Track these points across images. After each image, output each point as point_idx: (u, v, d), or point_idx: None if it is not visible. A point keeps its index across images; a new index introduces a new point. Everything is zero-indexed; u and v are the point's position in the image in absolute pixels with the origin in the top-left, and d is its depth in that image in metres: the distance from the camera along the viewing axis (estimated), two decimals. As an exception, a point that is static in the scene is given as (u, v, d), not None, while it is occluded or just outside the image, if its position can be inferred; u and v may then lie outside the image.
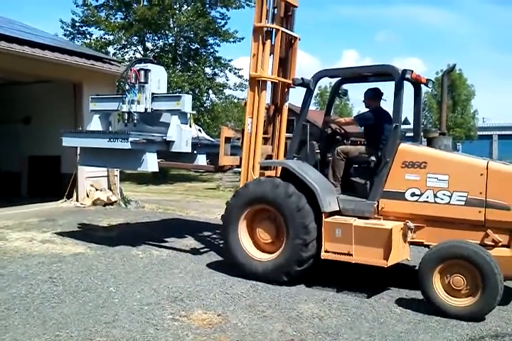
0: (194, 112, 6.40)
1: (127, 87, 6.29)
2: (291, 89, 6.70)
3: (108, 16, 22.78)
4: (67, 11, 29.15)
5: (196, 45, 23.58)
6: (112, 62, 12.27)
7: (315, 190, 5.18)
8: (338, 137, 6.15)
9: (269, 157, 6.72)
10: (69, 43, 16.22)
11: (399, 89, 5.18)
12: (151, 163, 6.03)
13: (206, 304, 4.68)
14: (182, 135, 6.09)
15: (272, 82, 6.54)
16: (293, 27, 6.70)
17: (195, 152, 6.53)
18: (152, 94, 6.29)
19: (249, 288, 5.25)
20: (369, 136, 5.83)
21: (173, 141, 6.10)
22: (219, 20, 23.15)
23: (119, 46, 22.96)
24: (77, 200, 11.12)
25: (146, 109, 6.26)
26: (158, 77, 6.38)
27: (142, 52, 23.48)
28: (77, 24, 23.08)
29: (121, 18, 22.99)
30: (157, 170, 6.23)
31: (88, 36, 23.30)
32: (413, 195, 5.00)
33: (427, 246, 5.08)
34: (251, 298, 4.92)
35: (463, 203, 4.78)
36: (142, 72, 6.21)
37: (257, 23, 6.23)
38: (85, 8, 22.44)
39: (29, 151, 11.73)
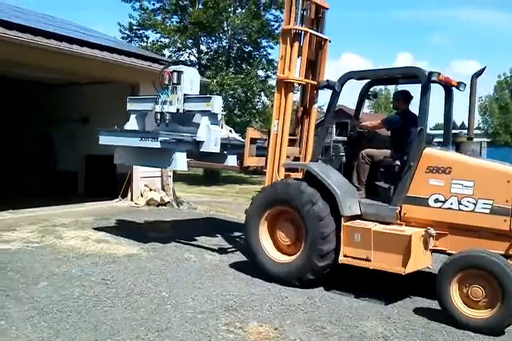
0: (224, 113, 6.70)
1: (161, 88, 6.45)
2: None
3: (164, 20, 23.24)
4: (125, 16, 29.99)
5: (249, 48, 23.59)
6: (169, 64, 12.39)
7: (335, 194, 5.11)
8: (363, 140, 5.98)
9: (297, 159, 6.66)
10: (126, 45, 16.56)
11: (425, 91, 5.03)
12: (180, 162, 6.14)
13: (262, 315, 4.42)
14: (211, 135, 6.20)
15: (300, 84, 6.52)
16: (324, 29, 6.67)
17: (225, 152, 6.58)
18: (184, 95, 6.42)
19: (306, 299, 4.94)
20: (395, 140, 5.63)
21: (203, 141, 6.22)
22: (272, 23, 23.04)
23: (174, 49, 23.39)
24: (131, 200, 11.22)
25: (178, 110, 6.40)
26: (190, 79, 6.51)
27: (196, 55, 23.75)
28: (134, 27, 23.69)
29: (177, 22, 23.43)
30: (186, 169, 6.38)
31: (145, 39, 23.87)
32: (437, 201, 4.84)
33: (450, 254, 4.81)
34: (309, 312, 4.61)
35: (488, 211, 4.59)
36: (175, 74, 6.36)
37: (285, 25, 6.25)
38: (142, 11, 22.99)
39: (86, 151, 11.93)
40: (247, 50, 23.56)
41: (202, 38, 23.64)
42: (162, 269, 5.75)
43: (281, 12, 22.51)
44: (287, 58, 6.19)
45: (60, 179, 12.39)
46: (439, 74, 5.01)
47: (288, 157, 6.49)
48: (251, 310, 4.55)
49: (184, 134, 6.35)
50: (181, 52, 23.55)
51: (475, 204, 4.64)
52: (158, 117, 6.45)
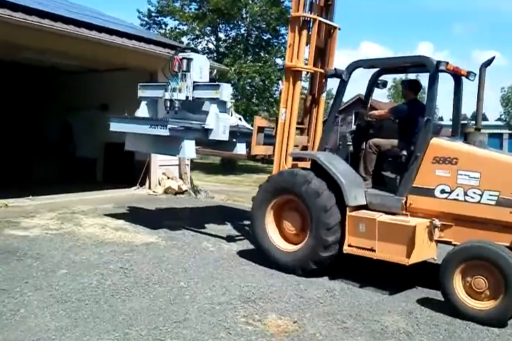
0: (233, 101, 6.76)
1: (170, 75, 6.37)
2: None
3: (183, 7, 23.04)
4: (144, 3, 29.94)
5: (268, 36, 23.27)
6: (187, 51, 12.25)
7: (340, 183, 5.08)
8: (371, 130, 5.89)
9: (305, 148, 6.62)
10: (145, 31, 16.47)
11: (433, 81, 4.97)
12: (188, 149, 6.14)
13: (280, 308, 4.35)
14: (219, 123, 6.17)
15: (309, 73, 6.49)
16: (333, 16, 6.57)
17: (234, 140, 6.52)
18: (194, 82, 6.37)
19: (325, 292, 4.86)
20: (402, 129, 5.54)
21: (211, 129, 6.18)
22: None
23: (192, 36, 23.20)
24: (149, 188, 11.24)
25: (187, 97, 6.36)
26: (200, 66, 6.45)
27: (215, 43, 23.55)
28: (153, 14, 23.55)
29: (196, 9, 23.20)
30: (195, 156, 6.46)
31: (163, 26, 23.74)
32: (443, 191, 4.79)
33: (455, 245, 4.74)
34: (328, 305, 4.53)
35: (494, 203, 4.53)
36: (185, 61, 6.31)
37: (294, 12, 6.13)
38: (161, -2, 22.80)
39: (105, 138, 11.91)
40: (265, 37, 23.26)
41: (220, 26, 23.41)
42: (180, 259, 5.72)
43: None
44: (295, 46, 6.09)
45: (78, 166, 12.46)
46: (447, 63, 4.90)
47: (296, 146, 6.46)
48: (269, 302, 4.49)
49: (193, 122, 6.33)
50: (199, 40, 23.41)
51: (481, 196, 4.59)
52: (168, 105, 6.41)
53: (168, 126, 5.93)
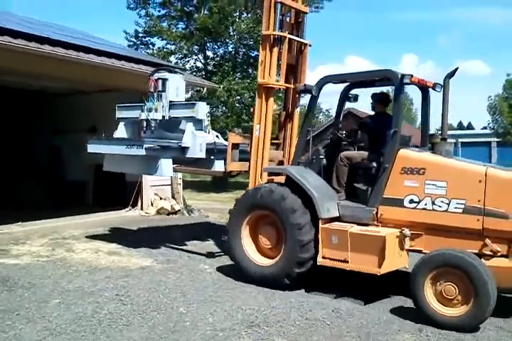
0: (209, 118, 6.73)
1: (147, 95, 6.52)
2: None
3: (170, 26, 23.10)
4: (130, 24, 30.03)
5: (256, 53, 23.35)
6: (176, 70, 12.21)
7: (312, 196, 5.13)
8: (344, 143, 6.02)
9: (281, 162, 6.73)
10: (134, 52, 16.44)
11: (398, 94, 5.17)
12: (166, 168, 6.27)
13: (286, 332, 4.16)
14: (196, 141, 6.31)
15: (282, 89, 6.67)
16: (303, 33, 6.72)
17: (212, 157, 6.59)
18: (170, 101, 6.52)
19: (330, 312, 4.68)
20: (371, 142, 5.65)
21: (188, 147, 6.32)
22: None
23: (180, 56, 23.21)
24: (141, 209, 11.04)
25: (163, 117, 6.50)
26: (176, 86, 6.62)
27: (203, 61, 23.60)
28: (140, 35, 23.59)
29: (183, 28, 23.25)
30: (172, 175, 6.77)
31: (151, 46, 23.75)
32: (411, 201, 4.88)
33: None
34: (335, 326, 4.35)
35: (461, 211, 4.63)
36: (160, 81, 6.49)
37: (264, 30, 6.26)
38: (148, 18, 22.89)
39: (95, 160, 11.68)
40: (253, 54, 23.36)
41: (208, 44, 23.49)
42: (177, 282, 5.52)
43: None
44: (267, 63, 6.21)
45: (68, 189, 12.20)
46: (412, 76, 5.03)
47: (272, 161, 6.54)
48: (274, 325, 4.30)
49: (170, 141, 6.45)
50: (187, 59, 23.40)
51: (448, 204, 4.67)
52: (144, 124, 6.50)
53: (144, 145, 6.03)
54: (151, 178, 10.69)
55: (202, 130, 6.44)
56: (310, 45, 6.78)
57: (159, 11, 23.21)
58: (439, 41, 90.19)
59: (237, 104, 22.29)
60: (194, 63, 23.67)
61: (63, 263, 6.19)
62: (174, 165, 6.49)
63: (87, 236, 7.93)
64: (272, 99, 6.33)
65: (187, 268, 6.15)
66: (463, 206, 4.60)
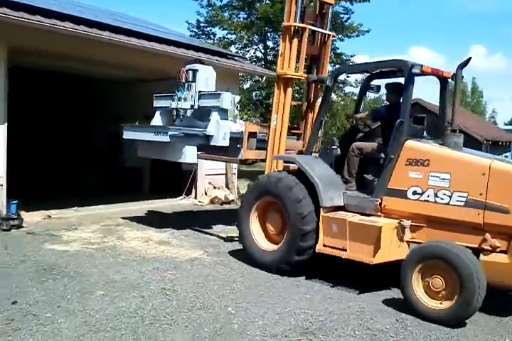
0: (232, 108, 6.95)
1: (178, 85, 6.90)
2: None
3: (231, 16, 22.91)
4: (192, 14, 30.26)
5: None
6: (236, 59, 11.91)
7: (315, 184, 5.17)
8: (359, 134, 6.01)
9: (300, 152, 6.69)
10: (194, 40, 16.38)
11: (407, 83, 5.05)
12: (189, 155, 6.61)
13: (345, 343, 3.71)
14: (220, 130, 6.61)
15: (302, 80, 6.68)
16: (328, 24, 6.74)
17: (238, 146, 6.75)
18: (199, 92, 6.87)
19: (394, 321, 4.17)
20: (383, 132, 5.56)
21: (212, 136, 6.62)
22: (342, 15, 21.98)
23: (240, 45, 22.99)
24: (195, 198, 10.90)
25: (192, 106, 6.87)
26: (206, 76, 6.98)
27: (263, 51, 23.21)
28: (202, 24, 23.60)
29: (244, 18, 22.99)
30: (195, 161, 6.95)
31: (212, 36, 23.71)
32: (415, 193, 4.82)
33: None
34: (401, 339, 3.84)
35: (462, 204, 4.53)
36: (190, 72, 6.87)
37: (285, 21, 6.30)
38: (210, 8, 22.82)
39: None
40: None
41: (268, 34, 23.05)
42: (227, 278, 5.19)
43: (351, 4, 21.71)
44: (287, 54, 6.26)
45: (127, 176, 12.27)
46: (422, 66, 4.94)
47: (293, 150, 6.64)
48: (331, 334, 3.85)
49: (195, 129, 6.75)
50: (247, 49, 23.16)
51: (450, 197, 4.59)
52: (174, 113, 6.89)
53: (169, 133, 6.40)
54: (206, 167, 10.54)
55: (226, 119, 6.75)
56: (334, 36, 7.06)
57: (221, 1, 23.08)
58: (508, 31, 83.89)
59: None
60: (254, 53, 23.34)
61: (112, 251, 6.04)
62: (198, 152, 6.77)
63: (139, 224, 7.80)
64: (290, 90, 6.40)
65: (238, 263, 5.80)
66: (465, 199, 4.50)
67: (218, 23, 22.74)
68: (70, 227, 7.28)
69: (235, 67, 11.02)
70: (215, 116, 6.65)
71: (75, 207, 8.78)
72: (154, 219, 8.21)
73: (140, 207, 9.51)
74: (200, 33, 24.15)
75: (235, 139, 6.72)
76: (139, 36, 9.03)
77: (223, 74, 10.67)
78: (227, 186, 11.23)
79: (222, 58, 10.93)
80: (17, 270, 5.12)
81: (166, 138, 6.39)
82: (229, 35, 22.96)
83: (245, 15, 23.04)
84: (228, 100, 6.69)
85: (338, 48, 22.33)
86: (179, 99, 6.84)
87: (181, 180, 11.00)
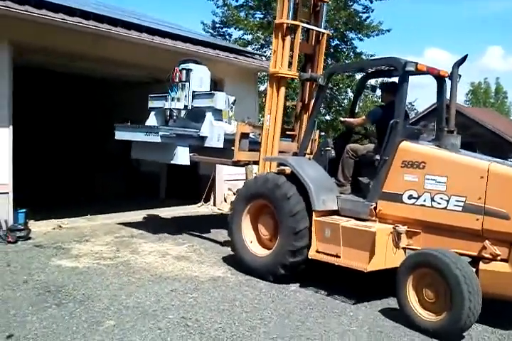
0: (227, 109, 6.71)
1: (171, 85, 6.68)
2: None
3: (247, 16, 22.45)
4: (207, 15, 29.81)
5: (336, 42, 22.04)
6: (255, 57, 11.36)
7: (308, 187, 4.97)
8: (354, 135, 5.87)
9: (295, 154, 6.42)
10: (210, 38, 15.91)
11: (401, 82, 4.83)
12: (182, 156, 6.37)
13: None
14: (214, 131, 6.43)
15: (296, 80, 6.62)
16: (322, 22, 6.56)
17: (232, 148, 6.49)
18: (193, 92, 6.62)
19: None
20: (378, 134, 5.31)
21: (206, 136, 6.42)
22: (361, 14, 21.34)
23: (257, 46, 22.46)
24: (214, 205, 10.30)
25: (185, 106, 6.63)
26: (200, 76, 6.72)
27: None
28: (217, 25, 23.18)
29: (260, 18, 22.50)
30: (188, 163, 6.52)
31: (227, 37, 23.25)
32: (410, 197, 4.58)
33: None
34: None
35: (460, 209, 4.27)
36: (184, 72, 6.62)
37: (278, 19, 6.17)
38: (225, 8, 22.36)
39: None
40: (333, 44, 22.00)
41: (286, 34, 22.51)
42: (255, 303, 4.52)
43: (371, 2, 21.00)
44: (279, 52, 6.10)
45: (142, 180, 11.73)
46: (416, 63, 4.72)
47: (287, 152, 6.44)
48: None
49: (187, 129, 6.52)
50: (264, 49, 22.59)
51: (447, 201, 4.34)
52: (168, 113, 6.67)
53: (160, 133, 6.18)
54: (225, 172, 9.98)
55: (221, 120, 6.52)
56: (328, 35, 6.80)
57: (237, 1, 22.62)
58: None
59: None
60: (271, 53, 22.78)
61: (126, 268, 5.43)
62: (191, 154, 6.52)
63: (155, 234, 7.20)
64: (283, 89, 6.20)
65: (266, 283, 5.12)
66: (462, 204, 4.24)
67: (234, 24, 22.29)
68: (81, 239, 6.70)
69: (254, 64, 10.55)
70: (209, 116, 6.48)
71: (88, 215, 8.22)
72: (171, 230, 7.57)
73: (156, 216, 8.92)
74: (216, 33, 23.71)
75: (231, 141, 6.48)
76: (164, 35, 8.60)
77: (241, 73, 10.19)
78: (247, 192, 10.61)
79: (241, 56, 10.41)
80: (18, 292, 4.53)
81: (157, 139, 6.18)
82: (245, 36, 22.48)
83: (261, 15, 22.57)
84: (222, 100, 6.49)
85: (356, 47, 21.69)
86: (172, 99, 6.64)
87: (198, 185, 10.42)
